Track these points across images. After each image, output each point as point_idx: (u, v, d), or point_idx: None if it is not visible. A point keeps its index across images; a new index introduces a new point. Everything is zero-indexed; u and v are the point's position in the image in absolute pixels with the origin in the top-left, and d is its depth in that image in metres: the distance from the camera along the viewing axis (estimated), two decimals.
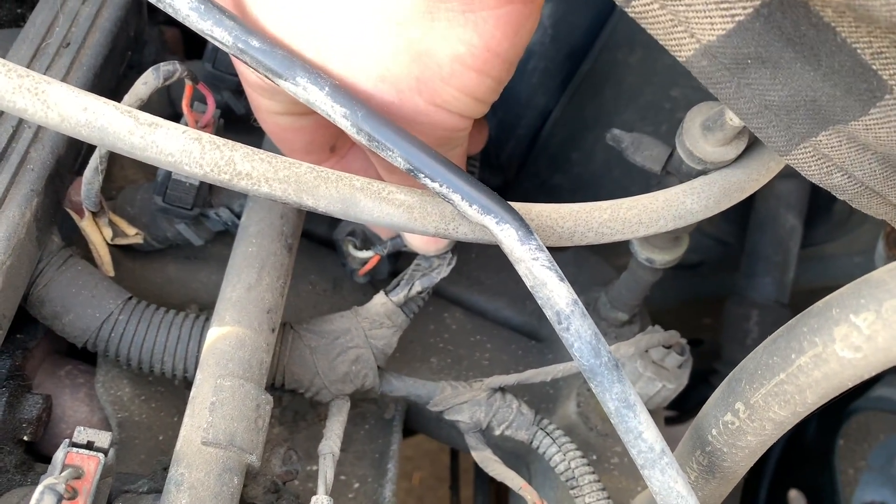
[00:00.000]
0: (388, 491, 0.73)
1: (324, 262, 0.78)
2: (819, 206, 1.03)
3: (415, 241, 0.63)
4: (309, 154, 0.57)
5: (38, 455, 0.69)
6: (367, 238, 0.70)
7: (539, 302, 0.46)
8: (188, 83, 0.59)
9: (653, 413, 0.78)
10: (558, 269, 0.46)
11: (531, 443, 0.65)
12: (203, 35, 0.46)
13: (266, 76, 0.47)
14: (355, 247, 0.69)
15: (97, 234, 0.62)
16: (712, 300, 1.15)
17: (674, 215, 0.53)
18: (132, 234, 0.65)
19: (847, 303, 0.40)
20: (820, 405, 0.43)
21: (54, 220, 0.61)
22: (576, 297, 0.46)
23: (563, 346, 0.79)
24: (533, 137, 0.93)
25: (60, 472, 0.47)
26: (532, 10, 0.46)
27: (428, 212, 0.49)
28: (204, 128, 0.63)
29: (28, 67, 0.60)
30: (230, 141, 0.47)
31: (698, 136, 0.55)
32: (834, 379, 0.41)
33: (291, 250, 0.64)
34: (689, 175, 0.58)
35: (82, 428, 0.50)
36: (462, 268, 0.85)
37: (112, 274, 0.65)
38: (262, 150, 0.48)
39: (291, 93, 0.46)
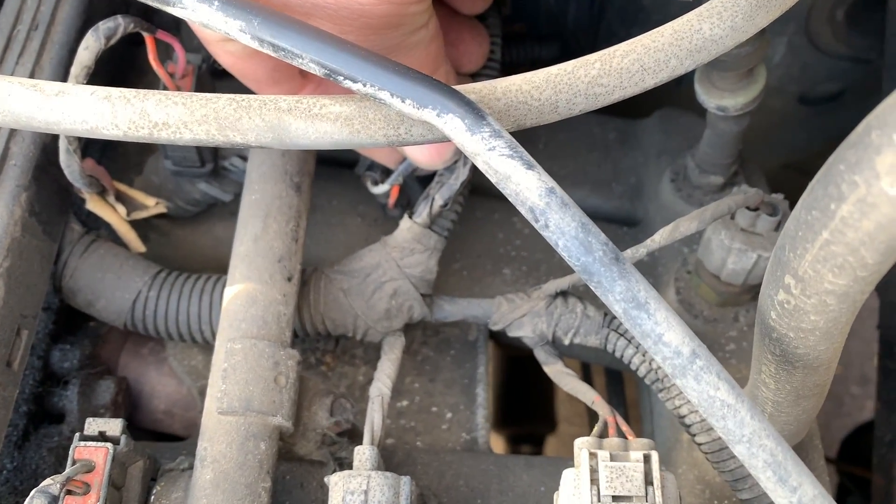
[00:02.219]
0: (480, 417, 0.67)
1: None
2: None
3: (417, 157, 0.55)
4: (278, 85, 0.51)
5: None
6: (387, 169, 0.63)
7: (509, 199, 0.38)
8: (146, 35, 0.54)
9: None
10: (525, 154, 0.37)
11: (605, 347, 0.56)
12: None
13: (155, 7, 0.41)
14: (374, 182, 0.63)
15: (110, 213, 0.60)
16: None
17: (688, 50, 0.41)
18: (152, 205, 0.63)
19: (889, 119, 0.28)
20: (889, 264, 0.32)
21: (65, 209, 0.60)
22: (551, 184, 0.37)
23: (663, 224, 0.69)
24: None
25: (71, 468, 0.45)
26: None
27: (370, 119, 0.41)
28: (182, 79, 0.58)
29: (1, 59, 0.58)
30: (144, 91, 0.42)
31: None
32: (892, 227, 0.29)
33: (300, 189, 0.59)
34: None
35: (93, 419, 0.48)
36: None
37: (142, 250, 0.63)
38: (178, 93, 0.42)
39: (184, 18, 0.40)
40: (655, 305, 0.36)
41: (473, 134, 0.37)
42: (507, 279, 0.70)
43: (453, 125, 0.37)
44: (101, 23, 0.52)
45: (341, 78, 0.38)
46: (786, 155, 1.05)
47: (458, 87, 0.40)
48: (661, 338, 0.36)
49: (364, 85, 0.38)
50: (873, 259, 0.31)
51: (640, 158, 0.76)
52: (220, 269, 0.63)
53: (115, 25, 0.52)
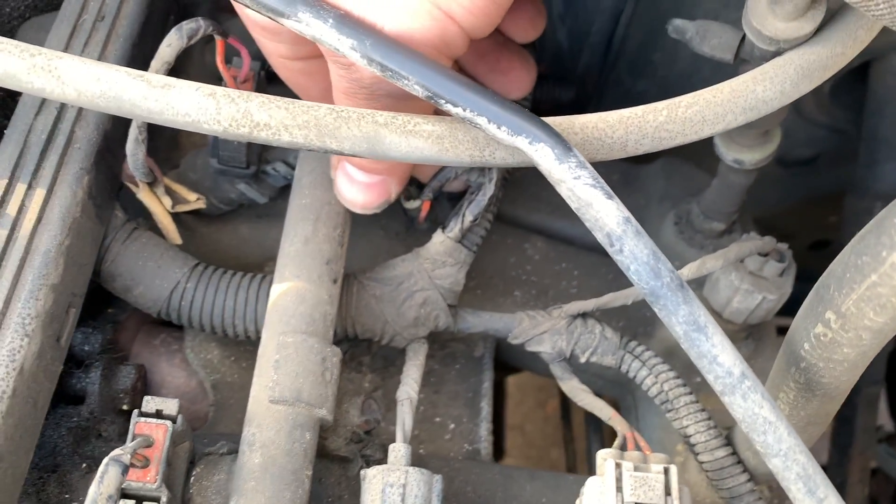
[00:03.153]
0: (483, 430, 0.71)
1: (394, 204, 0.76)
2: None
3: (350, 201, 0.59)
4: (327, 100, 0.55)
5: None
6: (421, 184, 0.67)
7: (587, 224, 0.42)
8: (218, 39, 0.57)
9: (763, 326, 0.72)
10: (605, 185, 0.42)
11: (619, 367, 0.61)
12: None
13: (268, 16, 0.44)
14: (408, 197, 0.67)
15: (157, 204, 0.62)
16: (837, 196, 1.05)
17: (743, 107, 0.46)
18: (193, 200, 0.65)
19: None
20: None
21: (113, 195, 0.61)
22: (627, 214, 0.41)
23: None
24: (608, 43, 0.86)
25: (131, 442, 0.47)
26: None
27: (459, 140, 0.45)
28: (243, 83, 0.61)
29: (67, 45, 0.60)
30: (245, 92, 0.45)
31: (766, 12, 0.48)
32: None
33: None
34: (764, 60, 0.50)
35: (150, 397, 0.50)
36: (541, 193, 0.80)
37: (179, 242, 0.65)
38: (279, 98, 0.45)
39: (297, 31, 0.44)
40: (713, 330, 0.40)
41: (561, 163, 0.42)
42: (517, 300, 0.74)
43: (543, 153, 0.42)
44: (184, 23, 0.55)
45: (443, 101, 0.42)
46: (757, 210, 1.12)
47: (544, 120, 0.45)
48: (716, 358, 0.40)
49: (464, 110, 0.42)
50: None
51: (642, 201, 0.82)
52: (242, 267, 0.66)
53: (197, 27, 0.55)
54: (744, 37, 0.52)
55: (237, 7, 0.49)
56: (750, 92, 0.46)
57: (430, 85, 0.42)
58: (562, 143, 0.42)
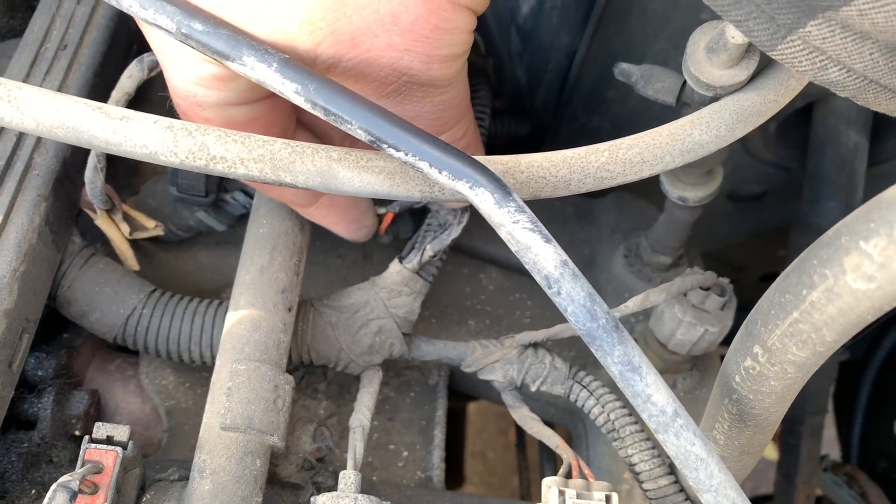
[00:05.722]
0: (435, 457, 0.72)
1: None
2: (886, 117, 0.94)
3: (339, 230, 0.64)
4: None
5: None
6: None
7: (527, 267, 0.44)
8: None
9: (707, 357, 0.74)
10: (543, 229, 0.43)
11: (568, 397, 0.63)
12: (147, 24, 0.45)
13: (214, 58, 0.45)
14: None
15: (114, 231, 0.63)
16: (784, 231, 1.08)
17: (680, 150, 0.49)
18: (152, 227, 0.66)
19: (856, 228, 0.36)
20: (843, 342, 0.39)
21: (71, 221, 0.62)
22: (565, 257, 0.43)
23: (613, 293, 0.76)
24: (563, 80, 0.89)
25: (80, 468, 0.48)
26: None
27: (410, 176, 0.46)
28: None
29: (28, 73, 0.61)
30: (203, 126, 0.47)
31: (703, 60, 0.50)
32: (850, 314, 0.37)
33: (304, 228, 0.63)
34: (703, 104, 0.53)
35: (101, 423, 0.51)
36: None
37: (136, 268, 0.66)
38: (235, 132, 0.47)
39: (241, 73, 0.45)
40: (647, 370, 0.42)
41: (501, 207, 0.43)
42: (472, 330, 0.76)
43: (483, 198, 0.43)
44: (145, 55, 0.56)
45: (385, 146, 0.44)
46: (709, 244, 1.16)
47: (487, 158, 0.47)
48: (649, 398, 0.42)
49: (406, 154, 0.44)
50: (831, 338, 0.38)
51: (595, 233, 0.84)
52: (199, 294, 0.67)
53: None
54: (685, 82, 0.55)
55: (167, 78, 0.50)
56: (687, 135, 0.49)
57: (373, 129, 0.43)
58: (501, 187, 0.43)
